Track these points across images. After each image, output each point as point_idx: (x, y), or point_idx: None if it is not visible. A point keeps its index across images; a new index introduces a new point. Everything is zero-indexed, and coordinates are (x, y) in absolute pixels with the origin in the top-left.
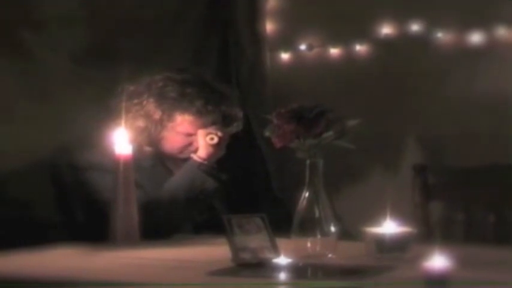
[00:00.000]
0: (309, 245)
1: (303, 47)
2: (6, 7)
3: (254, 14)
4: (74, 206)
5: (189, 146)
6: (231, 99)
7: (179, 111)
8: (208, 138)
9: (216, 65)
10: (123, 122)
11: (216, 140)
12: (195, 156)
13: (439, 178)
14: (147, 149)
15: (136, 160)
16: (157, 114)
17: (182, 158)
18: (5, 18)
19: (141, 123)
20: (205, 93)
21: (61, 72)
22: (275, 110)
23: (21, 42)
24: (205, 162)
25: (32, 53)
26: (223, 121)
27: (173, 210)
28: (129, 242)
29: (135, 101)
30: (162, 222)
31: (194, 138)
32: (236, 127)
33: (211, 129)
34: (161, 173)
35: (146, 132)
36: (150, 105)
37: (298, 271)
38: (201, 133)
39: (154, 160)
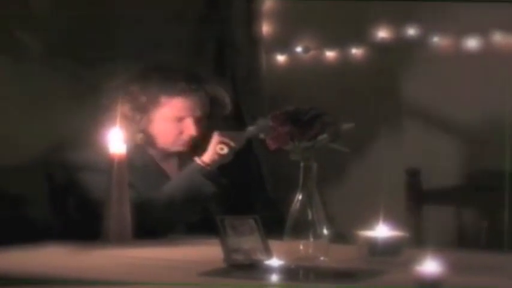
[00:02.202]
0: (301, 247)
1: (299, 49)
2: (3, 5)
3: (250, 15)
4: (67, 205)
5: (180, 135)
6: (214, 82)
7: (164, 94)
8: (218, 147)
9: (212, 66)
10: (114, 116)
11: (225, 151)
12: (198, 160)
13: (431, 182)
14: (140, 142)
15: (129, 159)
16: (142, 98)
17: (175, 151)
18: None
19: (127, 110)
20: (187, 76)
21: (56, 71)
22: (270, 112)
23: (15, 39)
24: (208, 167)
25: (25, 50)
26: (211, 104)
27: (170, 211)
28: (121, 241)
29: (121, 90)
30: (158, 223)
31: (184, 125)
32: (225, 110)
33: (225, 139)
34: (153, 173)
35: (133, 121)
36: (135, 89)
37: (290, 273)
38: (214, 138)
39: (147, 160)
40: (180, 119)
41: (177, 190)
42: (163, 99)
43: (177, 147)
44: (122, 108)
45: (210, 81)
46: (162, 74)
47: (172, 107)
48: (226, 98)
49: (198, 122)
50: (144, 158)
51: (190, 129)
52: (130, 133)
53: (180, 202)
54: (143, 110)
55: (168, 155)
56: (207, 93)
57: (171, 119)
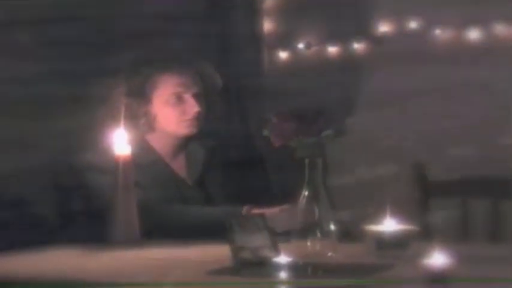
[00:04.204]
0: (309, 244)
1: (301, 45)
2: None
3: (252, 12)
4: (74, 206)
5: (183, 115)
6: (202, 61)
7: (156, 72)
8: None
9: (214, 64)
10: (114, 110)
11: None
12: (244, 209)
13: (438, 175)
14: (143, 127)
15: (137, 159)
16: (135, 81)
17: (183, 136)
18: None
19: (123, 97)
20: (177, 59)
21: (60, 74)
22: (273, 108)
23: (17, 40)
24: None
25: (28, 51)
26: (202, 81)
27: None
28: (129, 242)
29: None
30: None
31: (186, 104)
32: (216, 88)
33: (269, 220)
34: (162, 172)
35: (132, 106)
36: (127, 73)
37: (298, 270)
38: (275, 210)
39: (155, 158)
40: (179, 97)
41: (200, 218)
42: (157, 79)
43: (184, 130)
44: (118, 95)
45: (198, 60)
46: (152, 57)
47: (168, 84)
48: (215, 75)
49: (197, 98)
50: (152, 157)
51: (192, 105)
52: (131, 120)
53: (195, 226)
54: (139, 93)
55: (176, 151)
56: (197, 71)
57: (170, 98)
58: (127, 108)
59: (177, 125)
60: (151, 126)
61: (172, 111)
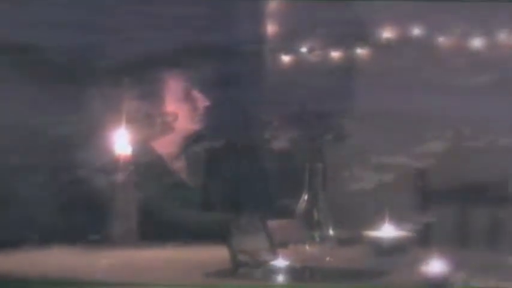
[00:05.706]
0: (307, 248)
1: (304, 49)
2: None
3: (255, 16)
4: (73, 206)
5: (195, 110)
6: None
7: (165, 71)
8: None
9: (217, 67)
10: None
11: None
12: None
13: (436, 182)
14: (161, 125)
15: (137, 159)
16: (146, 81)
17: (194, 132)
18: None
19: (136, 101)
20: (181, 57)
21: (61, 76)
22: (275, 112)
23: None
24: None
25: (34, 50)
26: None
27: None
28: (127, 243)
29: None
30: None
31: (196, 99)
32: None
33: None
34: (160, 171)
35: (143, 110)
36: (133, 75)
37: (296, 273)
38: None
39: (155, 159)
40: (187, 93)
41: (198, 222)
42: (167, 77)
43: (194, 126)
44: (130, 96)
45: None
46: (156, 58)
47: (178, 81)
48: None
49: (205, 93)
50: (152, 157)
51: (201, 100)
52: (145, 121)
53: (193, 231)
54: (151, 93)
55: (177, 151)
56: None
57: (180, 95)
58: (139, 109)
59: (188, 121)
60: (168, 125)
61: (183, 105)
